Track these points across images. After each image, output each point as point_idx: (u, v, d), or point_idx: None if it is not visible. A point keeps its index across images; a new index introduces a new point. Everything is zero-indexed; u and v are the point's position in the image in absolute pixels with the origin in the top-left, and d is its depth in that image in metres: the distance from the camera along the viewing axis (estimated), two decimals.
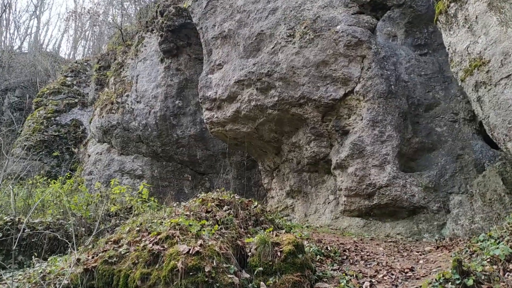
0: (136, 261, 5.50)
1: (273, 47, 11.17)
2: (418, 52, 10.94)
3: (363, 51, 10.23)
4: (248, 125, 11.79)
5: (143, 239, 5.97)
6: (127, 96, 15.68)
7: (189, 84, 15.08)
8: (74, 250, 6.06)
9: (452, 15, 8.59)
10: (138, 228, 6.50)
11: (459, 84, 8.57)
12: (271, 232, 6.40)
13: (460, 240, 8.14)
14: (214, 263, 5.15)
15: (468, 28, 8.21)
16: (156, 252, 5.42)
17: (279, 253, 5.72)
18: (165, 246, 5.52)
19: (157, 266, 5.27)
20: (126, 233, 6.60)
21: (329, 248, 7.34)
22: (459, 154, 9.54)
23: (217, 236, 5.88)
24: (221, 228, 6.34)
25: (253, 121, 11.68)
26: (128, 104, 15.49)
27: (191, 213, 6.61)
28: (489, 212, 8.37)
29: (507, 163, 8.95)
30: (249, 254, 5.92)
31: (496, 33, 7.66)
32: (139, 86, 15.61)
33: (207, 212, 6.87)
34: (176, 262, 5.03)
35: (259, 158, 13.09)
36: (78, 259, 6.08)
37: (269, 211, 12.11)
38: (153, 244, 5.62)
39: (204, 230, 5.90)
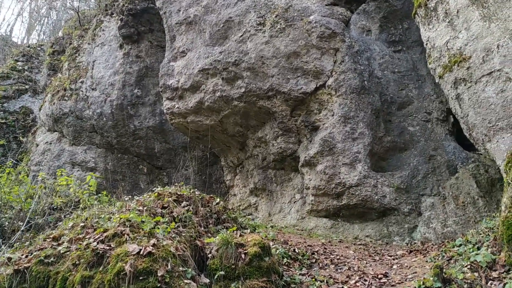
0: (77, 262, 4.69)
1: (241, 35, 10.48)
2: (392, 48, 10.56)
3: (337, 43, 9.71)
4: (212, 117, 11.05)
5: (87, 237, 5.14)
6: (82, 82, 14.56)
7: (149, 73, 14.16)
8: (2, 246, 5.14)
9: (432, 9, 8.18)
10: (83, 224, 5.65)
11: (437, 81, 8.18)
12: (235, 231, 5.71)
13: (432, 245, 7.73)
14: (169, 266, 4.41)
15: (448, 22, 7.82)
16: (101, 252, 4.62)
17: (243, 256, 5.04)
18: (112, 245, 4.73)
19: (101, 269, 4.47)
20: (69, 229, 5.75)
21: (296, 251, 6.73)
22: (432, 155, 9.18)
23: (173, 235, 5.14)
24: (178, 226, 5.60)
25: (217, 113, 10.95)
26: (82, 91, 14.38)
27: (145, 208, 5.82)
28: (462, 216, 8.01)
29: (480, 166, 8.64)
30: (209, 255, 5.20)
31: (478, 28, 7.29)
32: (95, 73, 14.52)
33: (163, 208, 6.10)
34: (124, 264, 4.25)
35: (222, 153, 12.36)
36: (9, 258, 5.19)
37: (232, 209, 11.43)
38: (98, 243, 4.80)
39: (158, 228, 5.14)
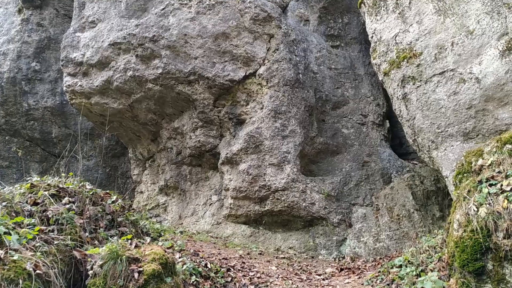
0: None
1: (163, 9, 9.00)
2: (330, 43, 9.67)
3: (272, 29, 8.60)
4: (121, 100, 9.41)
5: None
6: None
7: (52, 45, 12.12)
8: None
9: None
10: None
11: (380, 78, 7.33)
12: (129, 240, 4.29)
13: (364, 262, 6.81)
14: None
15: (399, 14, 7.00)
16: None
17: (136, 275, 3.67)
18: None
19: None
20: None
21: (209, 266, 5.42)
22: (366, 161, 8.36)
23: (38, 244, 3.60)
24: (51, 230, 4.06)
25: (127, 96, 9.34)
26: None
27: (6, 203, 4.19)
28: (397, 230, 7.20)
29: (416, 176, 7.94)
30: (90, 272, 3.74)
31: (431, 23, 6.52)
32: None
33: (35, 204, 4.50)
34: None
35: (130, 144, 10.70)
36: None
37: (134, 209, 9.86)
38: None
39: (16, 233, 3.57)
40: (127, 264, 3.67)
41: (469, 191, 4.82)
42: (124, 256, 3.67)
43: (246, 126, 8.35)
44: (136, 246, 4.17)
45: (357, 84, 9.23)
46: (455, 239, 4.66)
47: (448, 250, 4.91)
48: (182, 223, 9.03)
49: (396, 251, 6.85)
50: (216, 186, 8.91)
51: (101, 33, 9.46)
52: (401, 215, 7.27)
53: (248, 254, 6.74)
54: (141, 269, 3.66)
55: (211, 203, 8.81)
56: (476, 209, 4.53)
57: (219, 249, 6.77)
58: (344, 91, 9.08)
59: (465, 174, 5.39)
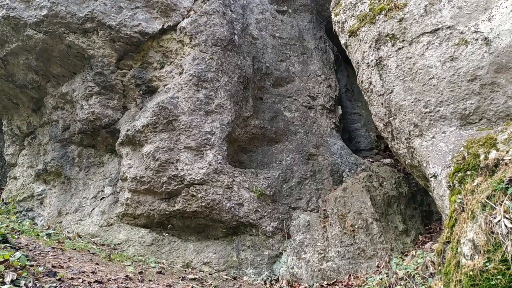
0: None
1: None
2: (276, 6, 7.77)
3: None
4: None
5: None
6: None
7: None
8: None
9: None
10: None
11: (343, 42, 5.49)
12: None
13: None
14: None
15: None
16: None
17: None
18: None
19: None
20: None
21: None
22: (312, 153, 6.49)
23: None
24: None
25: None
26: None
27: None
28: (350, 246, 5.34)
29: (374, 177, 6.18)
30: None
31: None
32: None
33: None
34: None
35: (5, 114, 8.06)
36: None
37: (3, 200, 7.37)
38: None
39: None
40: None
41: (490, 196, 3.03)
42: None
43: (158, 95, 6.18)
44: None
45: (306, 59, 7.38)
46: (471, 273, 2.82)
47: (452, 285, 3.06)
48: (61, 222, 6.62)
49: (350, 275, 4.99)
50: (113, 174, 6.63)
51: None
52: (356, 226, 5.44)
53: (141, 273, 4.54)
54: None
55: (103, 197, 6.50)
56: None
57: (97, 263, 4.52)
58: (289, 65, 7.19)
59: (468, 172, 3.63)
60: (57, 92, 7.05)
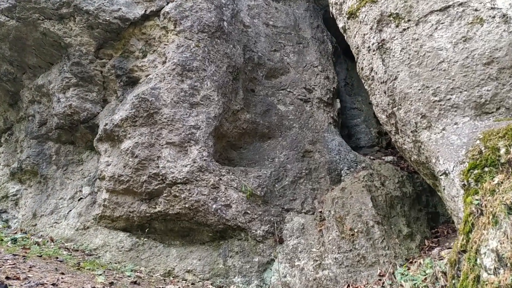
0: None
1: None
2: None
3: None
4: None
5: None
6: None
7: None
8: None
9: None
10: None
11: (341, 25, 4.97)
12: None
13: None
14: None
15: None
16: None
17: None
18: None
19: None
20: None
21: None
22: (308, 150, 5.97)
23: None
24: None
25: None
26: None
27: None
28: (349, 252, 4.82)
29: (375, 175, 5.66)
30: None
31: None
32: None
33: None
34: None
35: None
36: None
37: None
38: None
39: None
40: None
41: None
42: None
43: (140, 87, 5.66)
44: None
45: (301, 49, 6.86)
46: None
47: None
48: (35, 225, 6.10)
49: (349, 285, 4.47)
50: (92, 173, 6.11)
51: None
52: (356, 230, 4.91)
53: (112, 284, 4.02)
54: None
55: (81, 198, 5.98)
56: None
57: (63, 273, 4.00)
58: (284, 55, 6.67)
59: (486, 169, 3.10)
60: (33, 85, 6.54)
